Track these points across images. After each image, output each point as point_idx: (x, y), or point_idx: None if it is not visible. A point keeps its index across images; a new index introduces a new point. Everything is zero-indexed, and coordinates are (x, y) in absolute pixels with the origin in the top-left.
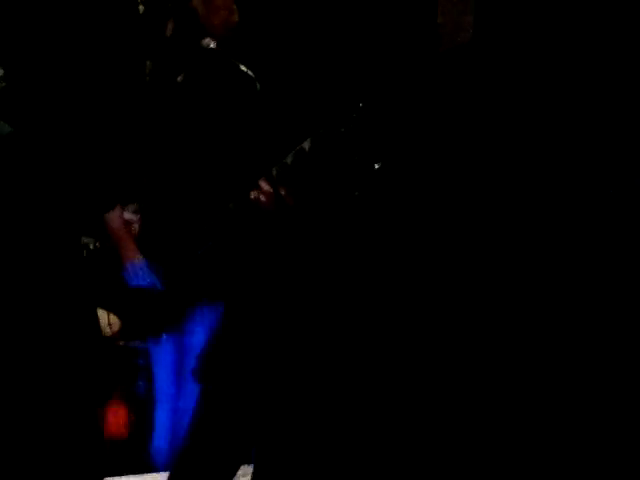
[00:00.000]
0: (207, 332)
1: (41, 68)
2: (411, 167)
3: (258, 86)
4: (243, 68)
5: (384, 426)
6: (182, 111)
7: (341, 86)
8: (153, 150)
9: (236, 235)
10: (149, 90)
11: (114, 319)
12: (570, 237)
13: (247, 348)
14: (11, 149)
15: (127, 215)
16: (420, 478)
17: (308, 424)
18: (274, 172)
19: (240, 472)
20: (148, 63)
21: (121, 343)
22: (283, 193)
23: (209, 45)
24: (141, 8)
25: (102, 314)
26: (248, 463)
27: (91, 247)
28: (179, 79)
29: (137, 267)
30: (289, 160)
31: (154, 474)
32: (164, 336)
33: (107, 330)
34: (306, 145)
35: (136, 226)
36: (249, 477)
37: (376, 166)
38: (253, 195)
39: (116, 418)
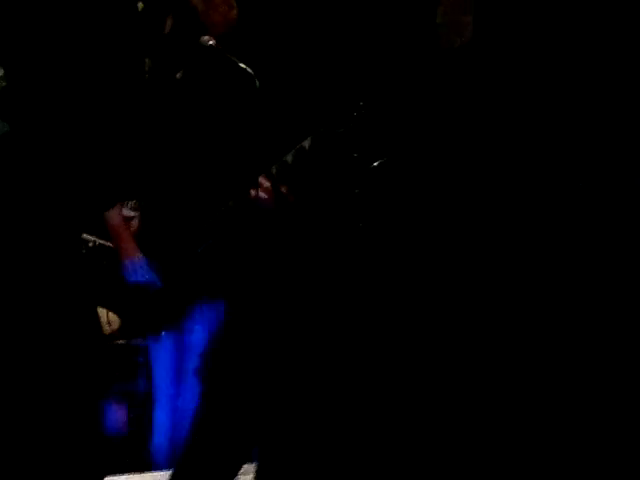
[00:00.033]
0: (207, 330)
1: (40, 66)
2: (410, 165)
3: (257, 83)
4: (242, 65)
5: (385, 425)
6: (181, 108)
7: (341, 84)
8: (152, 147)
9: (236, 233)
10: (148, 87)
11: (113, 317)
12: (570, 237)
13: (248, 346)
14: (11, 148)
15: (126, 212)
16: (420, 478)
17: (310, 422)
18: (274, 170)
19: (242, 470)
20: (147, 60)
21: (120, 341)
22: (283, 191)
23: (208, 42)
24: (140, 5)
25: (101, 312)
26: (250, 461)
27: (90, 245)
28: (178, 76)
29: (137, 264)
30: (289, 158)
31: (154, 472)
32: (163, 334)
33: (106, 328)
34: (306, 143)
35: (135, 223)
36: (251, 475)
37: (375, 164)
38: (253, 193)
39: (116, 416)
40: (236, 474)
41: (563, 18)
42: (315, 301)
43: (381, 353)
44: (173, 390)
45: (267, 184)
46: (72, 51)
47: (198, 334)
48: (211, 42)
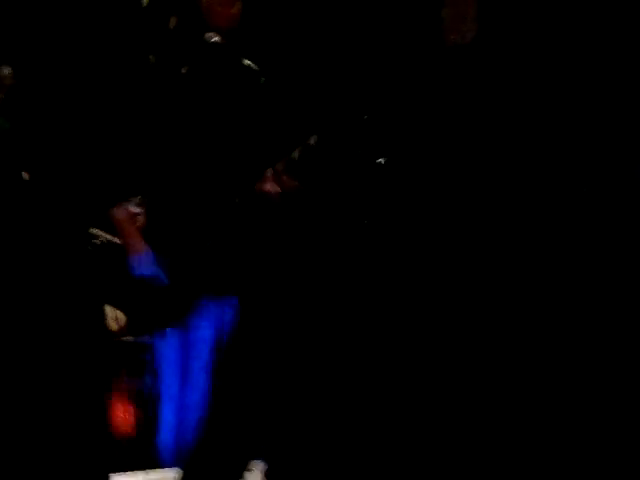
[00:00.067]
0: (213, 327)
1: (46, 64)
2: (415, 162)
3: (262, 80)
4: (247, 62)
5: (391, 424)
6: (186, 105)
7: (346, 81)
8: (158, 144)
9: (241, 230)
10: (152, 84)
11: (120, 314)
12: (571, 236)
13: (255, 342)
14: (21, 146)
15: (132, 209)
16: (425, 477)
17: (318, 420)
18: (280, 167)
19: (249, 467)
20: (151, 57)
21: (127, 338)
22: (289, 188)
23: (212, 39)
24: (144, 1)
25: (108, 309)
26: (257, 459)
27: (97, 242)
28: (183, 72)
29: (143, 258)
30: (295, 155)
31: (160, 470)
32: (170, 331)
33: (113, 325)
34: (312, 140)
35: (141, 220)
36: (258, 473)
37: (380, 161)
38: (259, 190)
39: (122, 414)
40: (243, 471)
41: (568, 15)
42: (320, 298)
43: (387, 351)
44: (180, 387)
45: (273, 181)
46: (78, 48)
47: (204, 331)
48: (216, 39)
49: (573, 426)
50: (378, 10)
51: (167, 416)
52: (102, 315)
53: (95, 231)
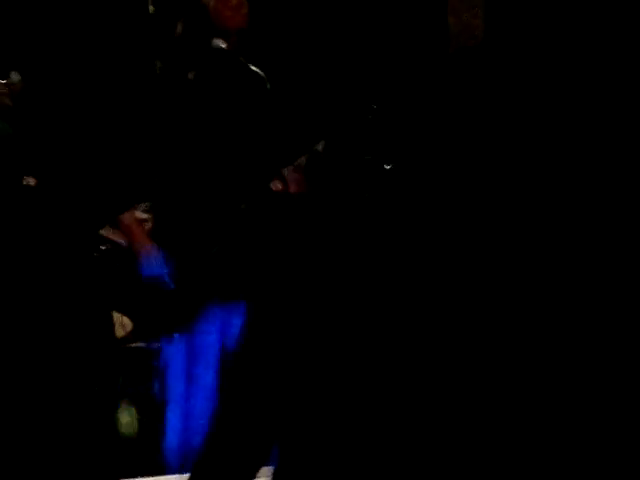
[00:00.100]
0: (219, 332)
1: (54, 69)
2: (421, 168)
3: (268, 86)
4: (253, 68)
5: (401, 426)
6: (193, 110)
7: (352, 86)
8: (165, 149)
9: (248, 235)
10: (159, 90)
11: (127, 320)
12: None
13: (264, 346)
14: (26, 151)
15: (139, 215)
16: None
17: (328, 424)
18: (286, 173)
19: (260, 474)
20: (158, 63)
21: (134, 344)
22: (295, 193)
23: (219, 45)
24: (151, 8)
25: (115, 315)
26: (267, 464)
27: (104, 248)
28: (189, 79)
29: (152, 258)
30: (302, 161)
31: (166, 476)
32: (176, 336)
33: (120, 331)
34: (319, 147)
35: (148, 225)
36: (267, 479)
37: (387, 167)
38: (265, 196)
39: (129, 418)
40: (251, 478)
41: (576, 19)
42: (328, 303)
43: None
44: (186, 392)
45: (279, 187)
46: (85, 53)
47: (210, 336)
48: (222, 44)
49: (573, 426)
50: (384, 16)
51: (173, 421)
52: (109, 320)
53: (102, 236)
